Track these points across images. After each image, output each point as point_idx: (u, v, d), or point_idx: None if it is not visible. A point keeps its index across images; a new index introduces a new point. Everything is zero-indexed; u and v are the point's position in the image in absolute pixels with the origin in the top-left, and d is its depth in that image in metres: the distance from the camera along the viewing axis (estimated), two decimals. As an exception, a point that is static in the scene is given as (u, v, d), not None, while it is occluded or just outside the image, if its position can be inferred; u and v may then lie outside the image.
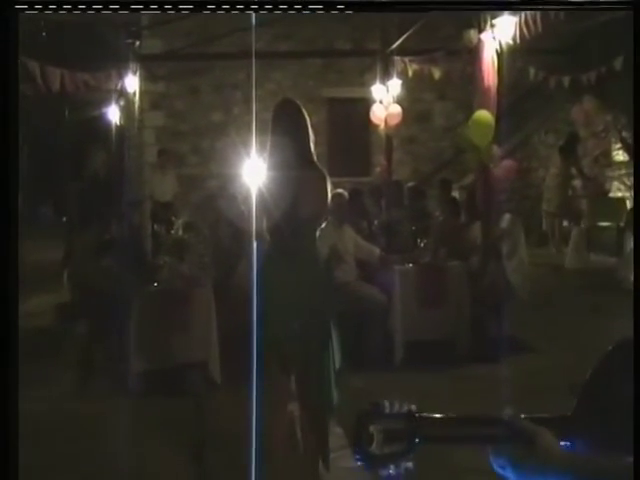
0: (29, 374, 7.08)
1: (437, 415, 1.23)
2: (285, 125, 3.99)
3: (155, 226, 9.88)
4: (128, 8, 4.32)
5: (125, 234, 8.24)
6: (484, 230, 7.32)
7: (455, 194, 9.45)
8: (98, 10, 3.95)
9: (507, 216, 7.45)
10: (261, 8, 3.91)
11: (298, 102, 4.16)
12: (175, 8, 4.48)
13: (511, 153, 10.38)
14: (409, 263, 7.13)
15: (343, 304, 6.85)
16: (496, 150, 7.41)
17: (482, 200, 7.44)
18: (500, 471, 1.25)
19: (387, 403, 1.19)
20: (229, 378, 6.29)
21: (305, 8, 4.03)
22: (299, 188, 3.94)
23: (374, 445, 1.16)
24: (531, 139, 14.77)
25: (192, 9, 4.62)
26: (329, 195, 4.12)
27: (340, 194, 7.20)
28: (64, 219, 14.20)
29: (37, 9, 3.78)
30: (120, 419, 5.55)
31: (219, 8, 3.81)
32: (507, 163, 7.87)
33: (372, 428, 1.16)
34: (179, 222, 9.21)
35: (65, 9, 3.83)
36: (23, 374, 6.88)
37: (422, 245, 7.41)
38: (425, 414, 1.22)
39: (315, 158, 4.07)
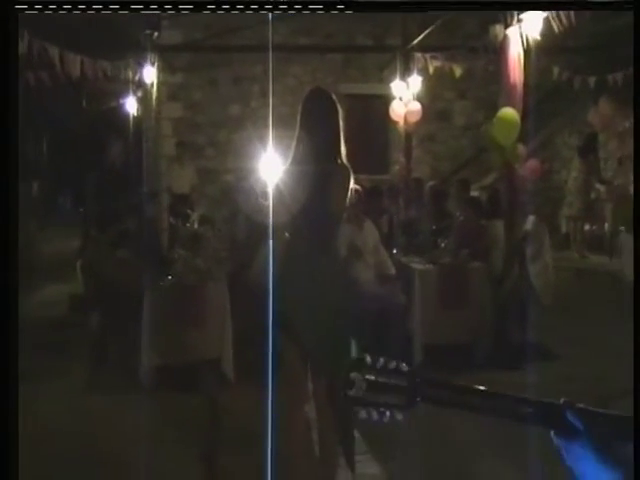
0: (41, 364, 7.08)
1: (435, 378, 1.30)
2: (317, 116, 3.84)
3: (171, 219, 9.79)
4: (128, 8, 4.23)
5: (140, 226, 8.15)
6: (507, 231, 7.16)
7: (476, 194, 9.28)
8: (98, 10, 3.85)
9: (532, 218, 7.28)
10: (261, 8, 3.82)
11: (331, 92, 4.01)
12: (175, 8, 4.38)
13: (534, 154, 10.19)
14: (429, 263, 6.98)
15: (360, 303, 6.74)
16: (522, 149, 7.24)
17: (506, 200, 7.28)
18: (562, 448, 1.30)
19: (369, 358, 1.29)
20: (242, 375, 6.18)
21: (305, 8, 3.93)
22: (324, 183, 3.80)
23: (354, 390, 1.26)
24: (554, 140, 14.57)
25: (192, 9, 4.53)
26: (349, 192, 3.98)
27: (357, 190, 7.05)
28: (81, 210, 14.16)
29: (37, 9, 3.70)
30: (131, 413, 5.45)
31: (219, 8, 3.74)
32: (532, 163, 7.69)
33: (353, 375, 1.27)
34: (195, 215, 9.12)
35: (65, 9, 3.75)
36: (35, 364, 6.87)
37: (442, 245, 7.25)
38: (424, 375, 1.30)
39: (343, 153, 3.91)
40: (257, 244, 6.53)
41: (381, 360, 1.30)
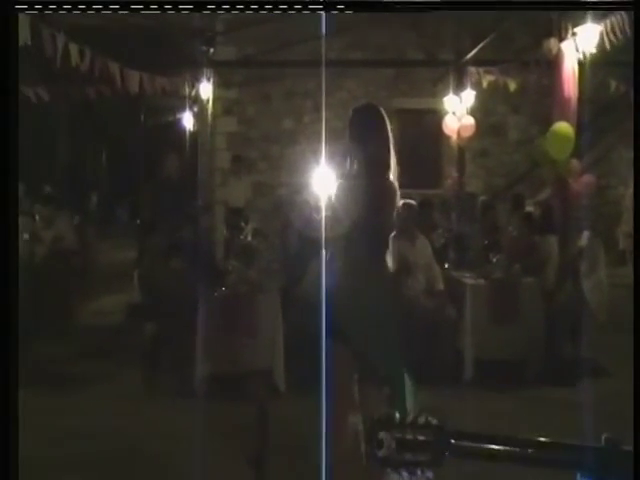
0: (98, 369, 7.27)
1: (463, 431, 1.28)
2: (367, 130, 3.88)
3: (225, 231, 9.94)
4: (128, 8, 4.31)
5: (195, 238, 8.29)
6: (561, 247, 7.09)
7: (530, 209, 9.20)
8: (98, 10, 3.94)
9: (586, 233, 7.19)
10: (261, 8, 3.86)
11: (380, 107, 4.05)
12: (175, 8, 4.45)
13: (589, 168, 10.07)
14: (481, 278, 6.95)
15: (411, 318, 6.74)
16: (575, 164, 7.18)
17: (559, 216, 7.21)
18: None
19: (398, 414, 1.27)
20: (293, 386, 6.23)
21: (305, 8, 3.96)
22: (374, 198, 3.82)
23: (383, 450, 1.25)
24: (611, 155, 14.34)
25: (192, 9, 4.60)
26: (396, 207, 3.99)
27: (410, 205, 7.08)
28: (138, 221, 14.45)
29: (37, 9, 3.79)
30: (183, 420, 5.54)
31: (219, 8, 3.78)
32: (587, 178, 7.62)
33: (382, 435, 1.25)
34: (248, 228, 9.23)
35: (65, 9, 3.83)
36: (92, 369, 7.05)
37: (494, 260, 7.21)
38: (451, 428, 1.28)
39: (392, 168, 3.93)
40: (309, 257, 6.60)
41: (410, 416, 1.28)
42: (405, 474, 1.25)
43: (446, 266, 7.40)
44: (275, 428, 5.24)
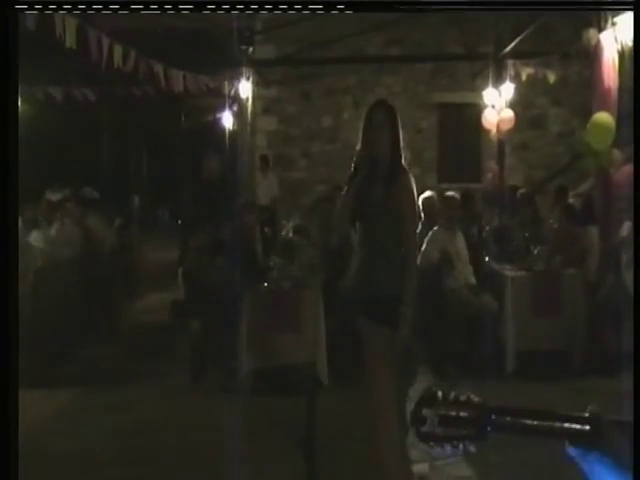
0: (145, 367, 7.43)
1: (504, 407, 1.32)
2: (376, 123, 3.92)
3: (266, 228, 10.06)
4: (128, 8, 4.37)
5: (237, 235, 8.40)
6: (603, 238, 7.04)
7: (572, 201, 9.14)
8: (98, 10, 4.01)
9: (627, 224, 7.12)
10: (261, 8, 3.88)
11: (392, 103, 4.09)
12: (175, 8, 4.51)
13: (632, 159, 9.94)
14: (523, 270, 6.95)
15: (453, 310, 6.78)
16: (617, 154, 7.12)
17: (601, 206, 7.16)
18: (573, 460, 1.33)
19: (441, 392, 1.33)
20: (336, 379, 6.31)
21: (305, 8, 3.98)
22: (385, 188, 3.85)
23: (426, 426, 1.30)
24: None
25: (192, 9, 4.66)
26: (415, 197, 4.00)
27: (452, 197, 7.11)
28: (179, 222, 14.65)
29: (37, 9, 3.86)
30: (230, 416, 5.65)
31: (219, 8, 3.82)
32: (628, 168, 7.52)
33: (425, 411, 1.30)
34: (290, 225, 9.33)
35: (65, 9, 3.89)
36: (139, 367, 7.23)
37: (535, 252, 7.20)
38: (493, 405, 1.32)
39: (403, 160, 3.96)
40: (349, 252, 6.66)
41: (452, 394, 1.32)
42: (448, 448, 1.30)
43: (487, 259, 7.40)
44: (320, 420, 5.33)
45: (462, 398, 1.32)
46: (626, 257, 6.87)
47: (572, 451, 1.32)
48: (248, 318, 6.46)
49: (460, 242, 6.96)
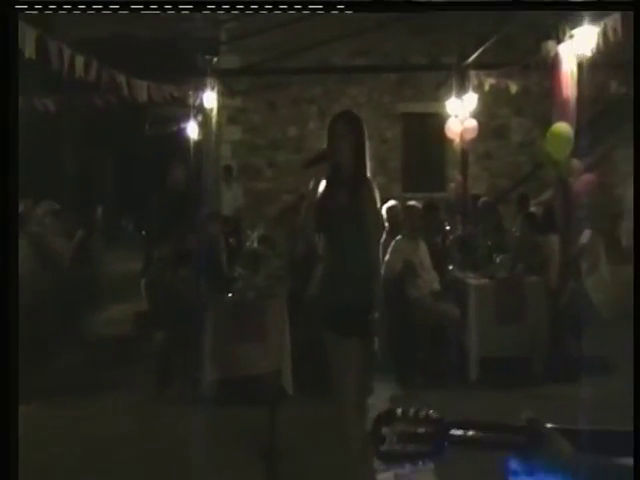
0: (109, 378, 7.36)
1: (455, 420, 1.33)
2: (340, 133, 3.94)
3: (231, 239, 10.04)
4: (128, 8, 4.37)
5: (201, 245, 8.37)
6: (563, 245, 7.15)
7: (534, 209, 9.27)
8: (98, 10, 4.01)
9: (587, 232, 7.26)
10: (261, 8, 3.91)
11: (357, 113, 4.11)
12: (175, 8, 4.52)
13: (592, 168, 10.12)
14: (485, 278, 7.02)
15: (417, 319, 6.82)
16: (576, 164, 7.25)
17: (561, 214, 7.28)
18: (512, 474, 1.33)
19: (400, 409, 1.32)
20: (301, 389, 6.31)
21: (305, 8, 4.01)
22: (349, 197, 3.87)
23: (385, 445, 1.29)
24: (613, 154, 14.38)
25: (192, 9, 4.67)
26: (378, 206, 4.03)
27: (414, 207, 7.17)
28: (143, 232, 14.53)
29: (37, 9, 3.85)
30: (194, 426, 5.62)
31: (219, 8, 3.82)
32: (587, 177, 7.68)
33: (384, 430, 1.30)
34: (255, 235, 9.32)
35: (65, 9, 3.88)
36: (103, 379, 7.14)
37: (498, 260, 7.28)
38: (446, 419, 1.33)
39: (368, 170, 3.97)
40: (314, 262, 6.68)
41: (411, 410, 1.33)
42: (407, 466, 1.30)
43: (450, 267, 7.47)
44: (284, 430, 5.33)
45: (421, 414, 1.33)
46: (586, 264, 7.00)
47: (513, 463, 1.33)
48: (212, 328, 6.43)
49: (423, 251, 7.01)
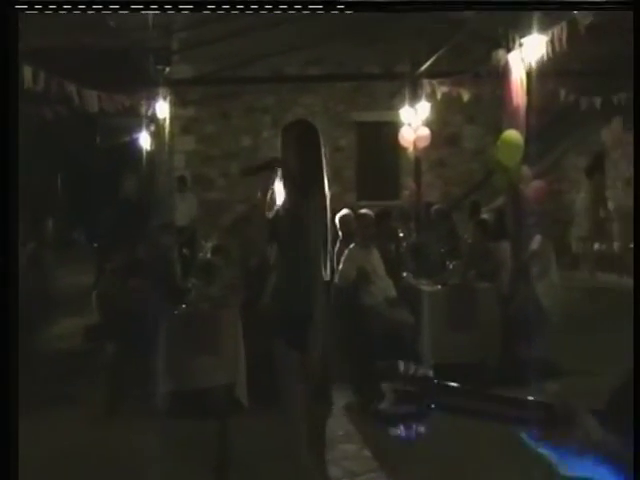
0: (61, 394, 7.22)
1: (456, 385, 1.38)
2: (293, 142, 3.91)
3: (184, 249, 9.96)
4: (128, 8, 4.35)
5: (154, 257, 8.28)
6: (514, 251, 7.24)
7: (485, 216, 9.37)
8: (98, 10, 3.98)
9: (538, 237, 7.35)
10: (261, 8, 3.90)
11: (311, 122, 4.08)
12: (175, 8, 4.50)
13: (542, 175, 10.28)
14: (439, 285, 7.07)
15: (371, 326, 6.83)
16: (526, 171, 7.35)
17: (512, 221, 7.37)
18: (537, 448, 1.35)
19: (402, 364, 1.34)
20: (256, 400, 6.26)
21: (305, 8, 4.01)
22: (301, 206, 3.85)
23: (384, 403, 1.29)
24: (562, 161, 14.65)
25: (192, 9, 4.65)
26: (330, 216, 4.01)
27: (366, 215, 7.18)
28: (95, 245, 14.32)
29: (37, 9, 3.80)
30: (147, 440, 5.55)
31: (219, 8, 3.81)
32: (537, 184, 7.78)
33: (384, 386, 1.29)
34: (208, 245, 9.24)
35: (65, 9, 3.85)
36: (54, 394, 7.00)
37: (451, 267, 7.33)
38: (445, 382, 1.38)
39: (323, 181, 3.94)
40: (268, 272, 6.65)
41: (412, 368, 1.32)
42: (402, 428, 1.30)
43: (404, 275, 7.50)
44: (239, 442, 5.28)
45: (420, 373, 1.33)
46: (536, 270, 7.09)
47: (527, 437, 1.35)
48: (165, 340, 6.35)
49: (376, 259, 7.03)
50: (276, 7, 3.94)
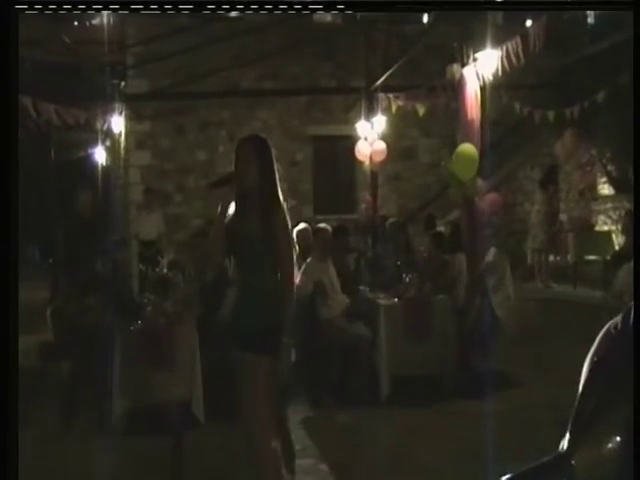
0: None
1: None
2: (246, 156, 3.92)
3: (140, 265, 9.84)
4: (128, 8, 4.31)
5: (110, 272, 8.19)
6: (469, 264, 7.31)
7: (441, 229, 9.45)
8: (98, 10, 3.97)
9: (493, 250, 7.44)
10: (261, 8, 3.90)
11: (264, 136, 4.09)
12: (175, 8, 4.48)
13: (496, 187, 10.43)
14: (395, 298, 7.10)
15: (328, 339, 6.83)
16: (481, 184, 7.43)
17: (467, 233, 7.44)
18: None
19: None
20: (213, 416, 6.21)
21: (305, 8, 4.01)
22: (258, 221, 3.85)
23: None
24: (517, 174, 14.87)
25: (192, 9, 4.63)
26: (289, 229, 4.02)
27: (323, 229, 7.20)
28: (50, 260, 14.12)
29: (37, 9, 3.78)
30: (103, 458, 5.46)
31: (219, 8, 3.80)
32: (492, 197, 7.88)
33: None
34: (164, 261, 9.17)
35: (65, 9, 3.82)
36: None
37: (407, 280, 7.37)
38: None
39: (280, 193, 3.95)
40: (224, 286, 6.62)
41: None
42: None
43: (361, 288, 7.52)
44: (195, 457, 5.23)
45: None
46: (491, 282, 7.17)
47: None
48: (121, 357, 6.27)
49: (333, 273, 7.04)
50: (276, 7, 3.93)
